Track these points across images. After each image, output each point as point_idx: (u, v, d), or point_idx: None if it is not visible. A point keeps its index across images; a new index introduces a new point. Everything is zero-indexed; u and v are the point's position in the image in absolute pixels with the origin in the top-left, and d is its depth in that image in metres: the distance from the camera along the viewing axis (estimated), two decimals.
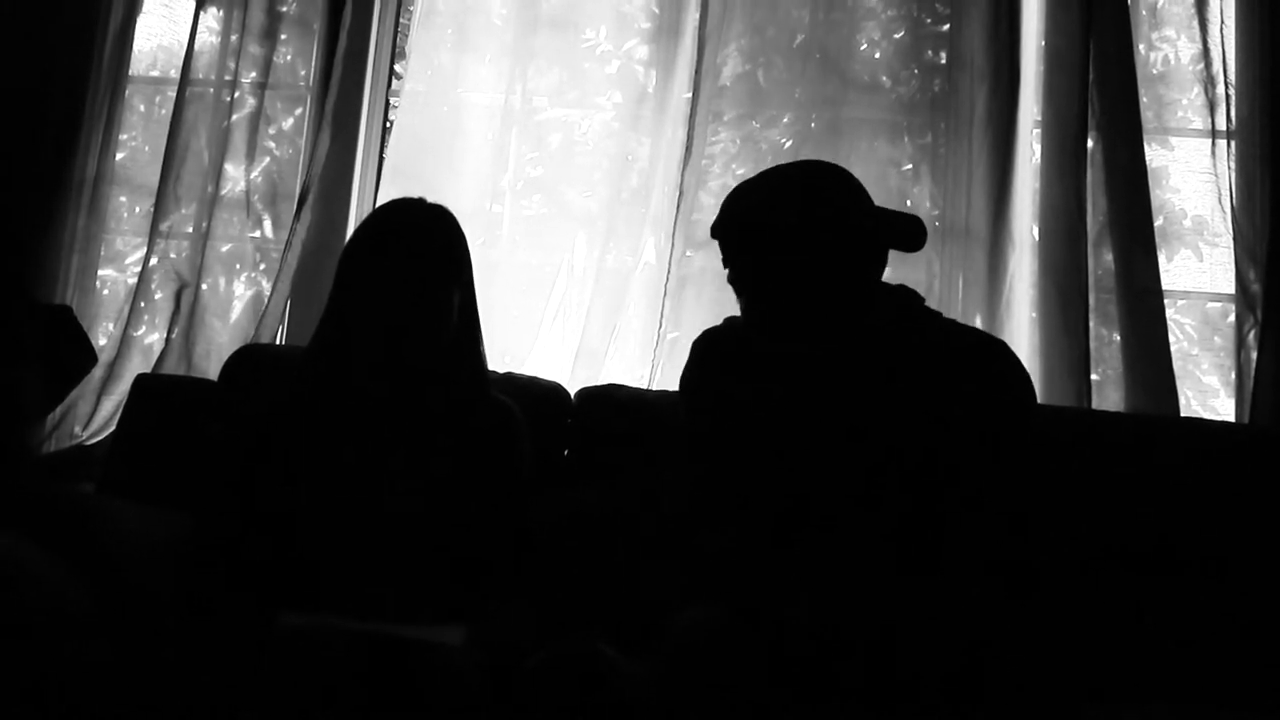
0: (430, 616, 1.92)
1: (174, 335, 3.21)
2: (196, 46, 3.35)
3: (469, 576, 2.03)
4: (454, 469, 2.05)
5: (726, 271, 1.92)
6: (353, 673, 1.74)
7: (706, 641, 1.65)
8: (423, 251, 2.04)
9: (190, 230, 3.30)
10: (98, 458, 3.04)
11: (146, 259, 3.26)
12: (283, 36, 3.42)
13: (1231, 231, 2.98)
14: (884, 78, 3.25)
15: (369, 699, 1.73)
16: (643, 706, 1.67)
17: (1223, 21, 3.08)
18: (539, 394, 2.68)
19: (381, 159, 3.39)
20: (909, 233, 1.87)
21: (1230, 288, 3.02)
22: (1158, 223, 3.01)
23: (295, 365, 2.15)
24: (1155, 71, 3.17)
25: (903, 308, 1.92)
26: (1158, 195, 3.04)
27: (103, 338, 3.30)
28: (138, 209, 3.48)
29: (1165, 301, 2.93)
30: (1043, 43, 3.13)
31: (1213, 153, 3.02)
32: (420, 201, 2.12)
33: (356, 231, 2.13)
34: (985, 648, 1.64)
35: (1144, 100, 3.04)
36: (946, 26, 3.25)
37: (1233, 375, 3.00)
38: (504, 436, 2.13)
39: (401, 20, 3.53)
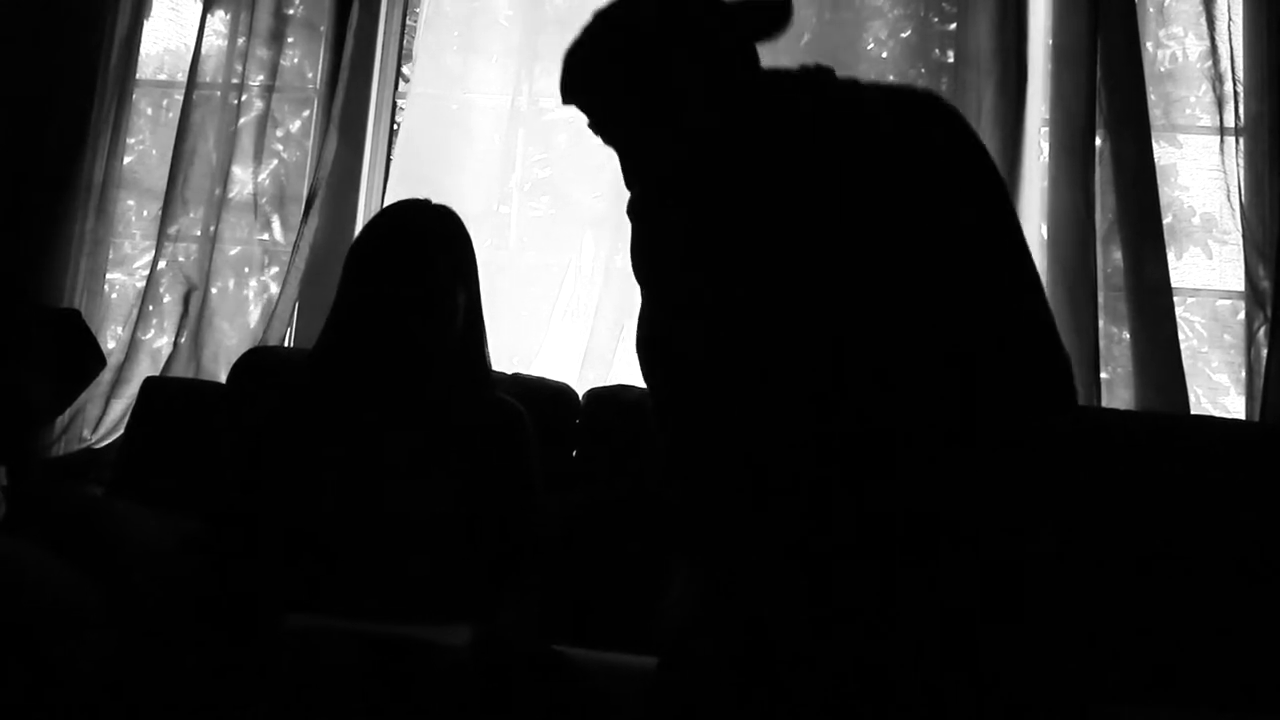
0: (436, 617, 1.91)
1: (182, 338, 3.22)
2: (203, 50, 3.36)
3: (477, 578, 2.02)
4: (460, 471, 2.05)
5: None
6: (358, 673, 1.74)
7: (691, 649, 1.58)
8: (427, 252, 2.04)
9: (198, 233, 3.31)
10: (106, 461, 3.05)
11: (154, 262, 3.27)
12: (289, 39, 3.42)
13: (1240, 228, 2.97)
14: (891, 76, 3.24)
15: (374, 699, 1.72)
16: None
17: (1230, 18, 3.07)
18: (547, 395, 2.69)
19: (389, 161, 3.39)
20: (767, 13, 1.62)
21: (1240, 285, 3.00)
22: (1166, 220, 3.00)
23: (302, 367, 2.15)
24: (1163, 69, 3.17)
25: (812, 87, 1.59)
26: (1166, 192, 3.03)
27: (111, 341, 3.30)
28: (145, 212, 3.49)
29: (1175, 299, 2.92)
30: (1050, 41, 3.13)
31: (1221, 150, 3.01)
32: (425, 203, 2.12)
33: (362, 233, 2.14)
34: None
35: (1152, 98, 3.04)
36: (954, 25, 3.24)
37: (1243, 373, 2.99)
38: (511, 438, 2.13)
39: (408, 22, 3.53)
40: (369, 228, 2.12)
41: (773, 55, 1.63)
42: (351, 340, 2.07)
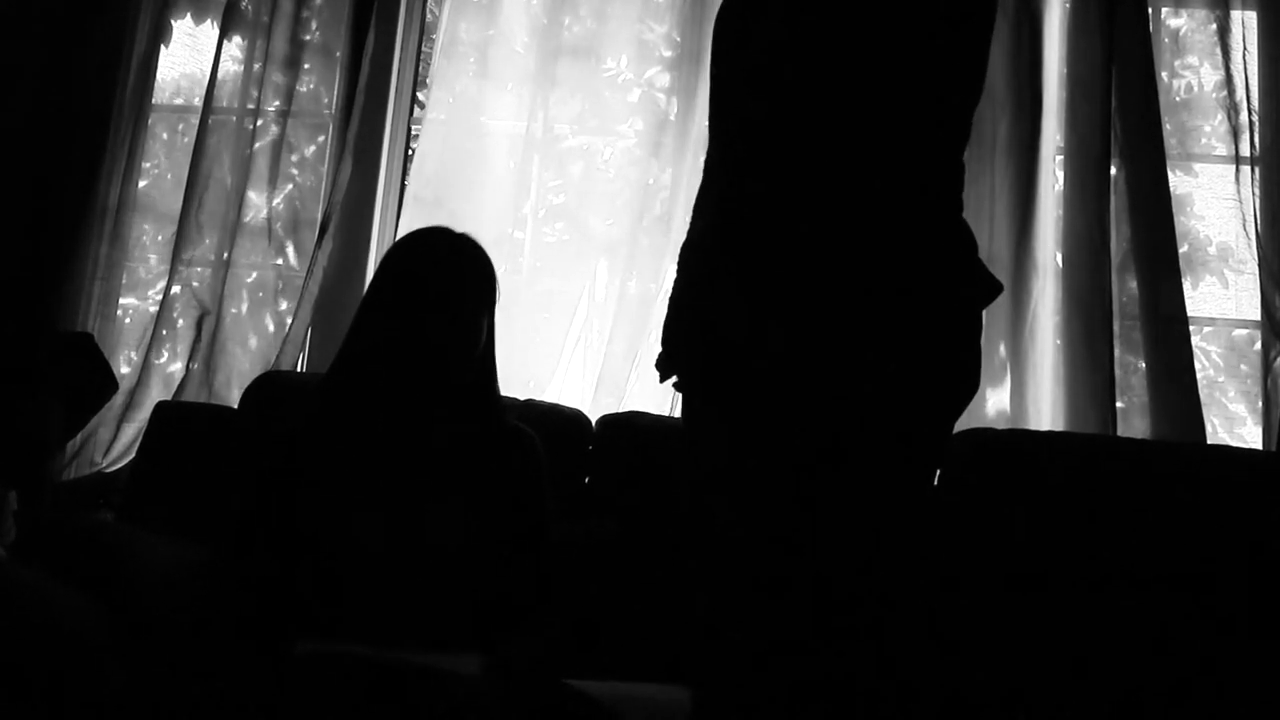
0: (449, 645, 1.90)
1: (195, 363, 3.22)
2: (220, 75, 3.38)
3: (489, 606, 2.01)
4: (472, 497, 2.04)
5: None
6: (368, 701, 1.73)
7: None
8: (462, 280, 2.04)
9: (212, 258, 3.31)
10: (118, 485, 3.04)
11: (168, 286, 3.27)
12: (305, 65, 3.44)
13: (1256, 258, 2.96)
14: None
15: None
16: None
17: (1245, 49, 3.08)
18: (560, 421, 2.68)
19: (403, 187, 3.39)
20: None
21: (1256, 314, 3.00)
22: (1182, 249, 2.99)
23: (316, 391, 2.14)
24: (1178, 98, 3.16)
25: None
26: (1182, 222, 3.03)
27: (124, 365, 3.31)
28: (160, 237, 3.49)
29: (1190, 328, 2.92)
30: (1065, 70, 3.13)
31: (1237, 179, 3.01)
32: (448, 230, 2.12)
33: (390, 259, 2.11)
34: None
35: (1167, 127, 3.04)
36: None
37: (1259, 402, 2.97)
38: (523, 464, 2.12)
39: (424, 49, 3.55)
40: (399, 253, 2.11)
41: None
42: (374, 365, 2.06)
